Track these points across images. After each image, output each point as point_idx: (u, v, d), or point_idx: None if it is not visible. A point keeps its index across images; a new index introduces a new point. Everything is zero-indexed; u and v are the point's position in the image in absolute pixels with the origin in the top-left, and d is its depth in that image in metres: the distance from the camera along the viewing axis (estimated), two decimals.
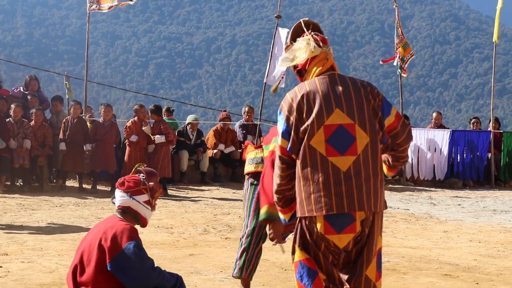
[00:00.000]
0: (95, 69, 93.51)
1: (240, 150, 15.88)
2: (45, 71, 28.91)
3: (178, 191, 14.28)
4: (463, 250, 8.65)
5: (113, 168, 13.90)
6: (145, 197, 4.75)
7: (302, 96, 4.09)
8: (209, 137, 15.96)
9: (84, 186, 13.91)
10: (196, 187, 14.85)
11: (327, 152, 4.02)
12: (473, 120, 17.56)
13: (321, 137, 4.03)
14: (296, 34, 4.31)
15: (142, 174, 4.75)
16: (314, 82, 4.13)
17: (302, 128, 4.06)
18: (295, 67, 4.27)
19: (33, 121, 13.59)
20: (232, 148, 15.79)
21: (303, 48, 4.19)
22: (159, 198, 12.74)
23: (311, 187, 4.02)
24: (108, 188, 13.86)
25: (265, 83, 16.55)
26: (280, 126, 4.15)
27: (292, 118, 4.09)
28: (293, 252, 4.18)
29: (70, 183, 14.38)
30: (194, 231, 9.67)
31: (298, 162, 4.08)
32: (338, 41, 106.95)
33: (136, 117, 14.07)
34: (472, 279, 7.12)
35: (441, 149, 16.93)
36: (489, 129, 16.96)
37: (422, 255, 8.38)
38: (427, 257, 8.25)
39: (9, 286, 6.28)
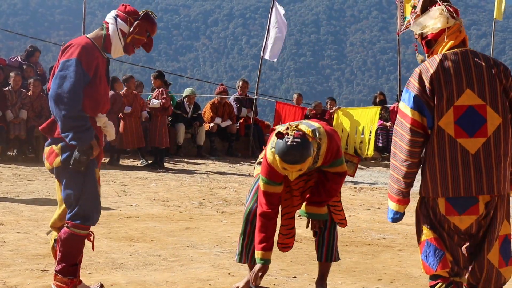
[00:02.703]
0: None
1: (236, 125, 15.87)
2: (42, 41, 28.71)
3: (174, 164, 14.27)
4: None
5: (114, 140, 13.83)
6: (125, 27, 4.84)
7: (434, 73, 3.96)
8: (206, 111, 15.94)
9: None
10: (192, 161, 14.85)
11: (456, 133, 3.94)
12: None
13: (450, 118, 3.94)
14: (426, 4, 4.15)
15: (147, 14, 4.88)
16: (446, 58, 4.00)
17: (431, 106, 3.96)
18: (423, 37, 4.16)
19: (30, 91, 13.54)
20: (228, 122, 15.77)
21: (437, 18, 4.06)
22: (156, 172, 12.77)
23: (437, 168, 3.96)
24: (106, 160, 13.84)
25: (262, 57, 16.53)
26: (409, 100, 3.99)
27: (422, 92, 3.96)
28: (418, 233, 4.16)
29: None
30: (190, 205, 9.67)
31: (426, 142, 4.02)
32: (335, 16, 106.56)
33: (125, 88, 13.90)
34: None
35: None
36: None
37: None
38: None
39: (5, 256, 6.28)
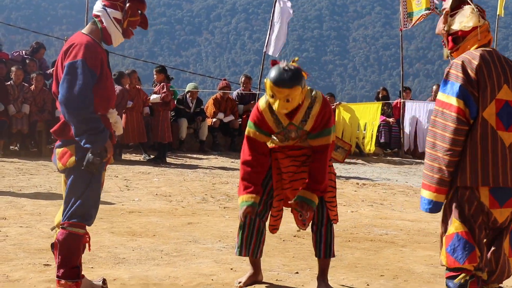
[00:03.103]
0: None
1: (239, 120, 15.86)
2: (44, 35, 28.66)
3: (176, 159, 14.27)
4: None
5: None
6: (117, 14, 4.76)
7: (479, 64, 4.11)
8: (209, 106, 15.93)
9: None
10: (195, 156, 14.85)
11: (497, 125, 4.10)
12: None
13: (492, 110, 4.10)
14: (455, 2, 4.31)
15: None
16: (484, 54, 4.17)
17: (476, 97, 4.09)
18: (450, 33, 4.31)
19: (33, 85, 13.54)
20: (231, 117, 15.76)
21: (469, 16, 4.24)
22: (159, 167, 12.77)
23: (478, 157, 4.08)
24: None
25: (265, 52, 16.52)
26: (453, 90, 4.11)
27: (467, 82, 4.09)
28: (445, 226, 4.19)
29: None
30: (192, 200, 9.67)
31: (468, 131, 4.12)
32: (338, 11, 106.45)
33: (128, 83, 13.85)
34: None
35: None
36: None
37: (420, 228, 8.39)
38: (425, 230, 8.27)
39: (7, 250, 6.28)
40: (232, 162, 14.24)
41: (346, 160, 16.05)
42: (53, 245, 4.77)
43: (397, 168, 15.08)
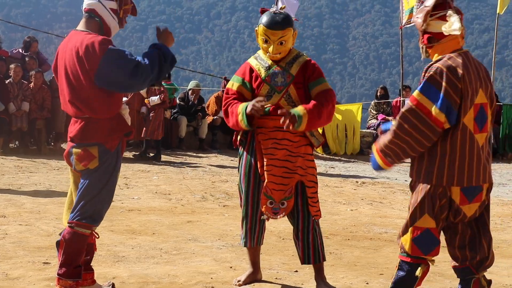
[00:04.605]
0: None
1: None
2: (44, 33, 28.61)
3: (176, 157, 14.26)
4: None
5: None
6: (113, 4, 4.73)
7: (462, 75, 4.18)
8: (210, 104, 15.93)
9: None
10: (194, 154, 14.84)
11: (474, 129, 4.25)
12: None
13: (471, 115, 4.23)
14: (438, 1, 4.32)
15: None
16: (464, 60, 4.24)
17: (457, 104, 4.19)
18: (425, 32, 4.33)
19: (32, 83, 13.52)
20: None
21: (453, 26, 4.25)
22: (158, 164, 12.78)
23: (456, 161, 4.22)
24: None
25: None
26: (436, 97, 4.16)
27: (451, 92, 4.16)
28: (414, 217, 4.29)
29: None
30: (192, 198, 9.67)
31: (447, 135, 4.22)
32: (338, 10, 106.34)
33: None
34: None
35: None
36: None
37: None
38: None
39: (7, 248, 6.28)
40: (232, 160, 14.23)
41: (346, 158, 16.08)
42: (58, 243, 4.75)
43: (396, 167, 15.04)
